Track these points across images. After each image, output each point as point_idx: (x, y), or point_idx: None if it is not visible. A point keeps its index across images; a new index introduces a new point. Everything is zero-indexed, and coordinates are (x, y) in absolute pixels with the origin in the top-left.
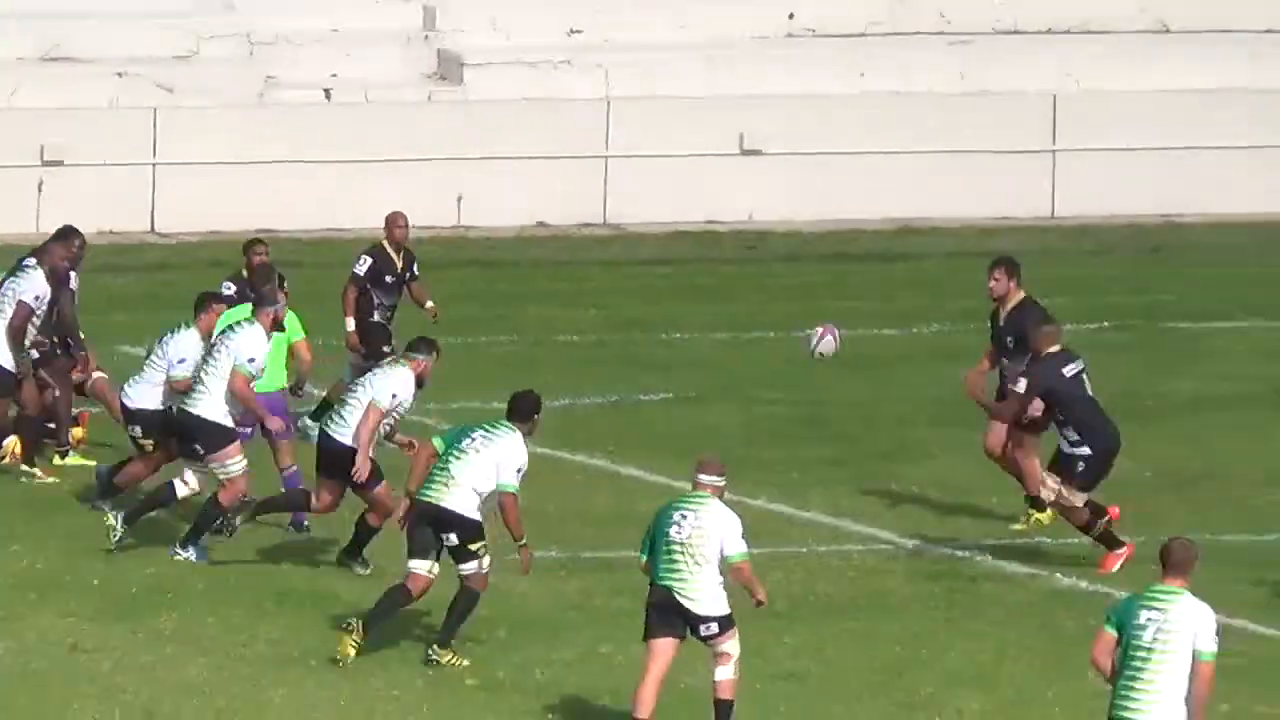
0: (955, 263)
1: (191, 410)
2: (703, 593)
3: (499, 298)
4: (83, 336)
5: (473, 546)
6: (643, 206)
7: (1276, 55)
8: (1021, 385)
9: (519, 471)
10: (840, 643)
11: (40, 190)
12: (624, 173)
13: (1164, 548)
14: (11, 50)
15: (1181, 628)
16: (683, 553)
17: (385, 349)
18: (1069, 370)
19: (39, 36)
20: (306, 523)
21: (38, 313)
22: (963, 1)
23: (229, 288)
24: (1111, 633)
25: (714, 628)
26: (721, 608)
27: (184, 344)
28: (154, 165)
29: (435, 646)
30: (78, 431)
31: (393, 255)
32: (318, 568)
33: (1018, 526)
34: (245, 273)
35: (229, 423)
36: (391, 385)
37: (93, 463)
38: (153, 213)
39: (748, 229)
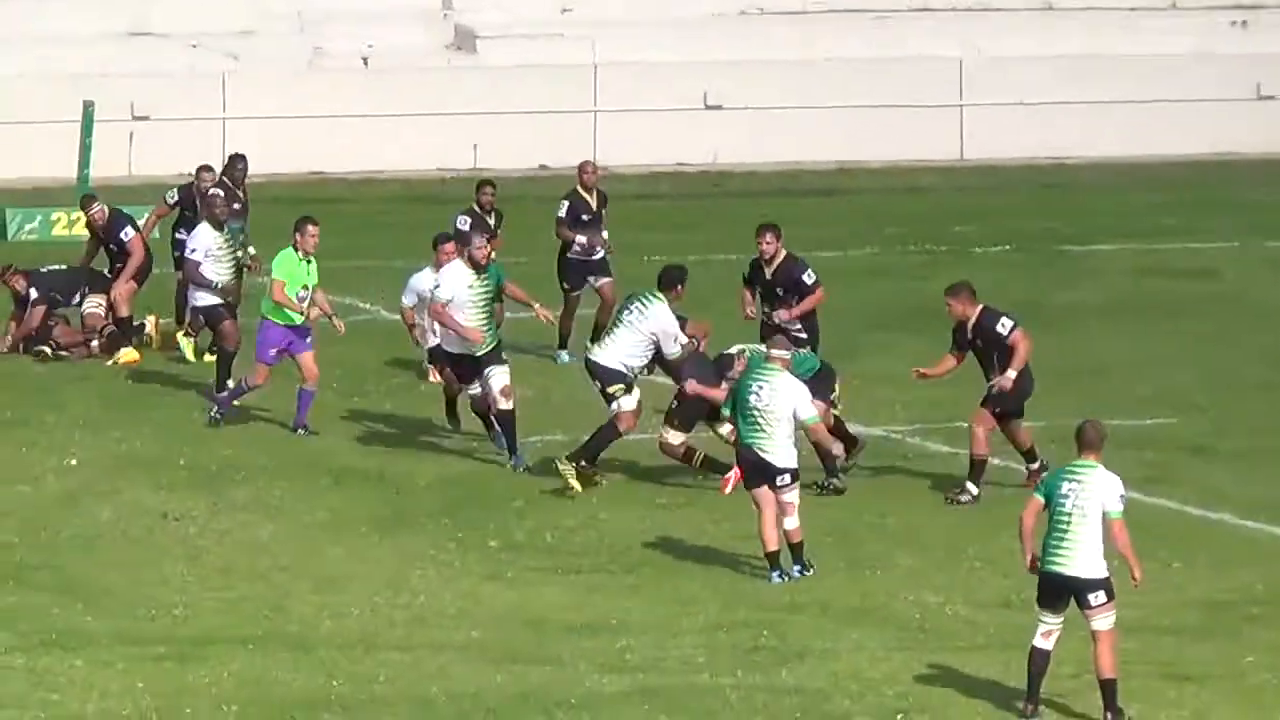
0: (884, 197)
1: None
2: (779, 447)
3: (512, 227)
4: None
5: (610, 389)
6: (625, 151)
7: (1141, 27)
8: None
9: (677, 339)
10: (799, 510)
11: (131, 141)
12: (610, 124)
13: (1078, 429)
14: (103, 26)
15: (1093, 494)
16: (762, 416)
17: (588, 279)
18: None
19: (125, 14)
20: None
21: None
22: None
23: (464, 222)
24: (1040, 499)
25: (787, 478)
26: (792, 462)
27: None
28: (224, 120)
29: (564, 456)
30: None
31: (587, 197)
32: (367, 449)
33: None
34: (476, 208)
35: (457, 351)
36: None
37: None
38: (224, 159)
39: (712, 170)
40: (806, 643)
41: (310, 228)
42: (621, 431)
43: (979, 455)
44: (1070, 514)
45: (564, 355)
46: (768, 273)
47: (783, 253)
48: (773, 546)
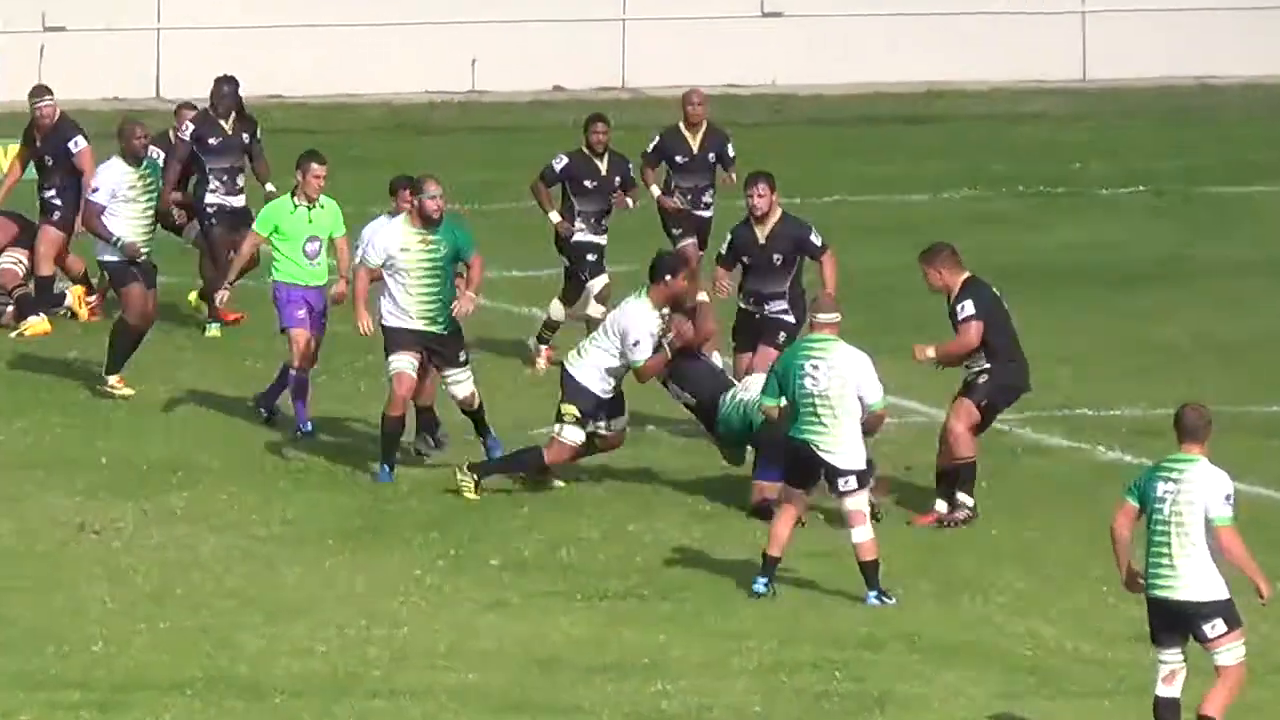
0: (986, 126)
1: None
2: (843, 444)
3: (514, 164)
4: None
5: (563, 407)
6: (662, 70)
7: None
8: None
9: (636, 344)
10: (876, 520)
11: (42, 56)
12: (643, 35)
13: (1177, 415)
14: None
15: (1195, 498)
16: (823, 404)
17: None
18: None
19: None
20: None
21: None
22: None
23: (560, 161)
24: (1133, 503)
25: (851, 482)
26: (859, 461)
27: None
28: (158, 31)
29: (465, 466)
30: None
31: (687, 135)
32: (336, 443)
33: None
34: (585, 150)
35: (397, 325)
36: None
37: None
38: (158, 78)
39: (771, 93)
40: (889, 686)
41: (314, 167)
42: (547, 462)
43: (964, 458)
44: (1169, 521)
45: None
46: (760, 235)
47: (778, 209)
48: (776, 551)
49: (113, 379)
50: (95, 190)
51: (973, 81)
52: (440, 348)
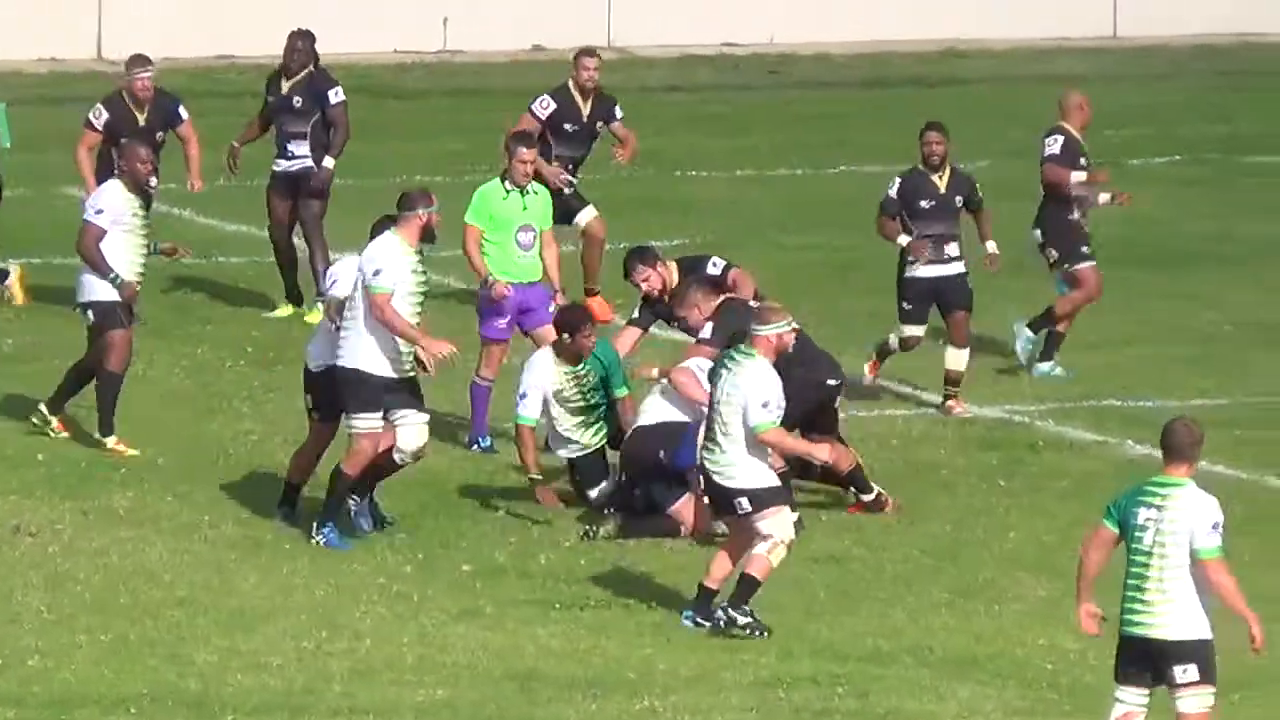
0: (1005, 89)
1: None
2: (732, 465)
3: (490, 130)
4: None
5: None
6: (651, 27)
7: None
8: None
9: (523, 397)
10: (885, 521)
11: None
12: None
13: (1165, 430)
14: None
15: (1179, 527)
16: (716, 420)
17: None
18: None
19: None
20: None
21: None
22: None
23: (894, 183)
24: (1111, 529)
25: (745, 504)
26: (755, 480)
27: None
28: None
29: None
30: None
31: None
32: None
33: None
34: (921, 166)
35: (382, 373)
36: None
37: None
38: (99, 37)
39: (769, 52)
40: (896, 703)
41: (522, 151)
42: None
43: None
44: (1150, 552)
45: (1044, 366)
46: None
47: (673, 267)
48: (713, 584)
49: (111, 441)
50: (99, 212)
51: (992, 39)
52: (411, 385)
